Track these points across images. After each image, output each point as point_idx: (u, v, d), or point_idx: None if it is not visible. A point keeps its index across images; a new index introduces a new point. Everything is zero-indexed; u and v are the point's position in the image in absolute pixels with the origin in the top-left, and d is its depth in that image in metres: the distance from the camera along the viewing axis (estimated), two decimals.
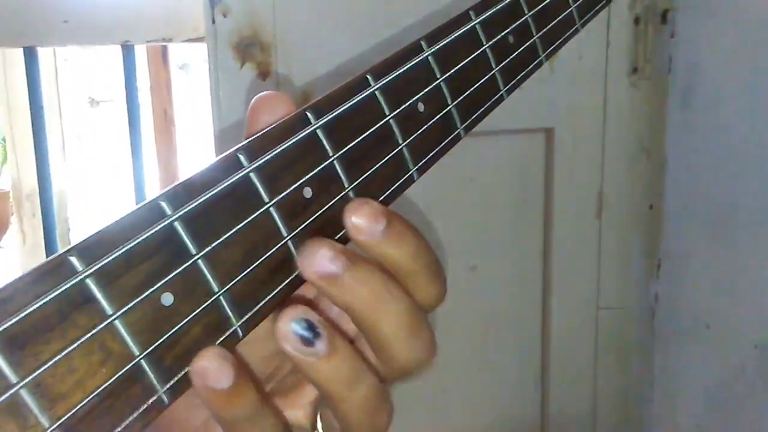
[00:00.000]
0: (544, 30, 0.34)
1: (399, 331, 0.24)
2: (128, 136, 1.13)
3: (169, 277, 0.20)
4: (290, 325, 0.22)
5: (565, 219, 0.94)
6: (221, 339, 0.22)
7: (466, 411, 0.97)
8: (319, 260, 0.23)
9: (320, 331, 0.22)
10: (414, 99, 0.28)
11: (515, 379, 0.98)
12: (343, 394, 0.23)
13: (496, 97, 0.31)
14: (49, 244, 1.17)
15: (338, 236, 0.25)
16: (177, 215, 0.21)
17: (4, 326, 0.17)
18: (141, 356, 0.20)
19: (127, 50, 1.06)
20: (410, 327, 0.24)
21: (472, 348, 0.96)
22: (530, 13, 0.33)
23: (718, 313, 0.87)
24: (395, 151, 0.27)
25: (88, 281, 0.19)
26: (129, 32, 0.95)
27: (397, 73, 0.27)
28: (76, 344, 0.18)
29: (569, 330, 0.97)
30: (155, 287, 0.20)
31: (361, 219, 0.24)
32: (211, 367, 0.21)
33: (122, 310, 0.19)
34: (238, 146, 0.23)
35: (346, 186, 0.25)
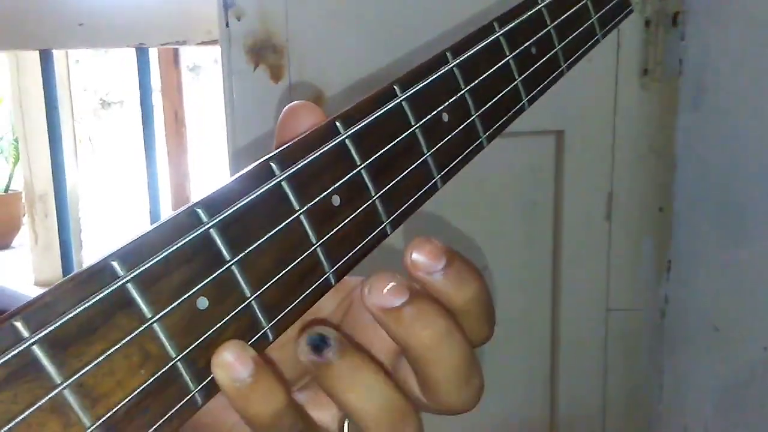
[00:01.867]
0: (566, 41, 0.34)
1: (451, 377, 0.24)
2: (140, 137, 1.14)
3: (204, 282, 0.21)
4: (305, 338, 0.23)
5: (575, 221, 0.94)
6: (252, 341, 0.22)
7: (475, 412, 0.98)
8: (384, 294, 0.23)
9: (331, 342, 0.23)
10: (439, 109, 0.28)
11: (525, 380, 0.99)
12: (356, 404, 0.23)
13: (518, 106, 0.32)
14: (63, 244, 1.18)
15: (364, 243, 0.26)
16: (212, 222, 0.21)
17: (50, 328, 0.18)
18: (177, 358, 0.20)
19: (141, 53, 1.07)
20: (463, 374, 0.25)
21: (481, 349, 0.96)
22: (553, 24, 0.33)
23: (728, 315, 0.87)
24: (420, 160, 0.28)
25: (129, 285, 0.20)
26: (143, 35, 0.97)
27: (423, 83, 0.28)
28: (116, 346, 0.19)
29: (579, 331, 0.97)
30: (191, 292, 0.21)
31: (421, 256, 0.24)
32: (230, 359, 0.21)
33: (161, 314, 0.20)
34: (269, 154, 0.24)
35: (373, 194, 0.26)
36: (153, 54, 1.43)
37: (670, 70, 0.92)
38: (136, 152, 1.16)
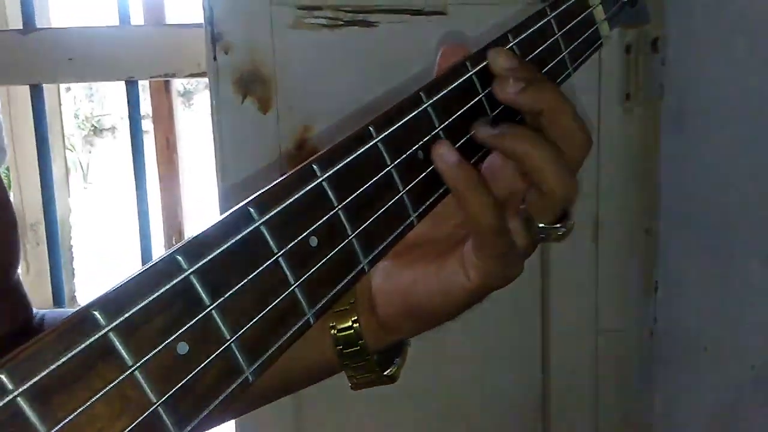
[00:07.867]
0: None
1: (561, 184, 0.32)
2: (131, 165, 1.15)
3: (184, 327, 0.22)
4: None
5: (563, 243, 0.94)
6: (233, 386, 0.23)
7: None
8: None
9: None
10: (414, 148, 0.29)
11: (516, 403, 0.99)
12: (539, 163, 0.32)
13: None
14: (55, 273, 1.19)
15: (342, 282, 0.26)
16: (192, 269, 0.22)
17: (35, 380, 0.19)
18: (158, 404, 0.21)
19: (131, 85, 1.08)
20: (570, 179, 0.33)
21: (471, 374, 0.96)
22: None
23: (716, 335, 0.87)
24: (396, 198, 0.29)
25: (111, 334, 0.20)
26: (132, 69, 0.98)
27: (398, 124, 0.29)
28: (98, 394, 0.20)
29: (569, 353, 0.97)
30: (172, 337, 0.21)
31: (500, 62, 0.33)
32: (443, 151, 0.30)
33: (141, 361, 0.21)
34: (249, 199, 0.24)
35: (350, 234, 0.27)
36: (144, 81, 1.44)
37: (651, 94, 0.94)
38: (129, 178, 1.17)
